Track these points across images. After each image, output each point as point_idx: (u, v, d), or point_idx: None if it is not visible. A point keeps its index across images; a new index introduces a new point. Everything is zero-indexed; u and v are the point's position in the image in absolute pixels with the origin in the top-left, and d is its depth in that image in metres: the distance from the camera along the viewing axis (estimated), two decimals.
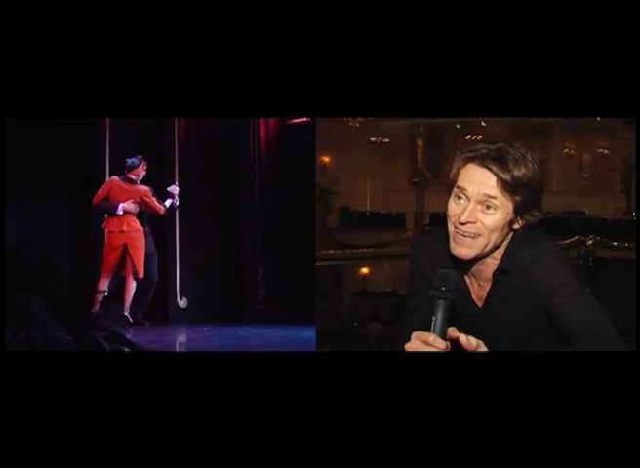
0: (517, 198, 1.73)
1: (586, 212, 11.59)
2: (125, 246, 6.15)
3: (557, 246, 1.93)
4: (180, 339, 5.89)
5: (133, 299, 6.24)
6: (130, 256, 6.11)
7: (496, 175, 1.71)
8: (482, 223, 1.73)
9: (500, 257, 1.81)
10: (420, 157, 12.93)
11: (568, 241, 5.54)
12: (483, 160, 1.73)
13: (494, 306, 1.84)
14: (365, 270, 10.71)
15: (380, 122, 11.57)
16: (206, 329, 6.07)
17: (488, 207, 1.72)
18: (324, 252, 7.70)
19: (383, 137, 12.84)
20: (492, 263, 1.83)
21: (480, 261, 1.82)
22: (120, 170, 6.48)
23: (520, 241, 1.80)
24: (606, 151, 12.28)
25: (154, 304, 6.75)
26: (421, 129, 12.90)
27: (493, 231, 1.74)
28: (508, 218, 1.75)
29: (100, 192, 6.25)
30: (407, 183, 13.13)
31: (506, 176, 1.70)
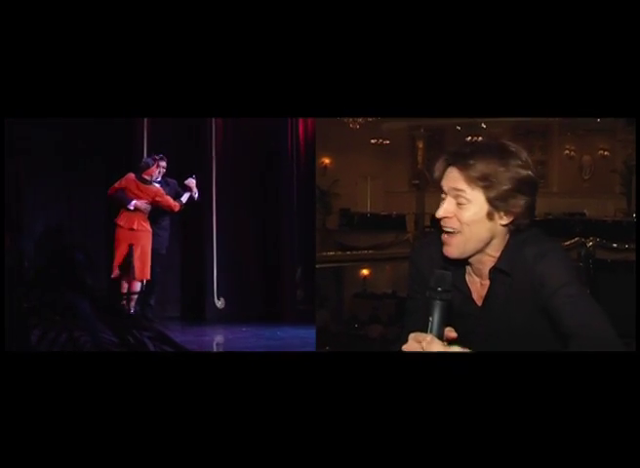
0: (489, 192, 1.75)
1: (587, 213, 11.59)
2: (130, 245, 6.12)
3: (559, 246, 1.94)
4: (218, 340, 5.85)
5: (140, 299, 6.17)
6: (132, 257, 6.08)
7: (458, 169, 1.75)
8: (457, 218, 1.77)
9: (497, 255, 1.82)
10: (420, 159, 12.93)
11: (568, 243, 5.55)
12: (451, 158, 1.78)
13: (493, 305, 1.85)
14: (365, 272, 10.72)
15: (381, 124, 11.58)
16: (244, 329, 6.02)
17: (460, 202, 1.76)
18: (324, 253, 7.71)
19: (384, 139, 12.85)
20: (489, 260, 1.83)
21: (477, 259, 1.83)
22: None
23: (523, 241, 1.81)
24: (606, 153, 12.29)
25: (192, 304, 6.70)
26: (422, 131, 12.90)
27: (469, 225, 1.76)
28: (483, 212, 1.77)
29: (116, 185, 6.24)
30: (407, 185, 13.14)
31: (470, 171, 1.74)
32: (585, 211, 11.61)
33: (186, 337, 5.27)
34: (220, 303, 6.79)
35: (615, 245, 6.01)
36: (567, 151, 12.65)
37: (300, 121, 7.03)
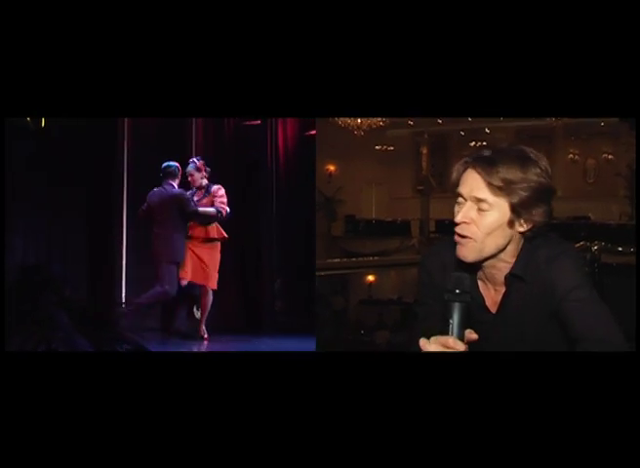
0: (512, 199, 1.73)
1: (591, 217, 11.57)
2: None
3: (572, 248, 1.91)
4: (197, 350, 5.82)
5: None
6: (205, 265, 5.93)
7: (482, 177, 1.73)
8: (476, 224, 1.74)
9: (511, 260, 1.81)
10: (424, 165, 12.94)
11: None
12: (474, 163, 1.75)
13: (508, 312, 1.83)
14: (371, 278, 10.70)
15: (385, 130, 11.58)
16: (223, 340, 6.01)
17: (481, 209, 1.74)
18: (329, 260, 7.69)
19: (388, 146, 12.86)
20: (504, 267, 1.82)
21: (492, 265, 1.82)
22: (137, 174, 6.49)
23: (536, 245, 1.80)
24: (610, 156, 12.27)
25: (169, 315, 6.67)
26: (426, 137, 12.90)
27: (488, 232, 1.75)
28: (505, 219, 1.75)
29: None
30: (412, 191, 13.14)
31: (493, 179, 1.71)
32: (590, 214, 11.61)
33: (165, 348, 5.25)
34: (198, 314, 6.79)
35: (620, 248, 5.98)
36: (571, 155, 12.63)
37: (280, 131, 7.06)
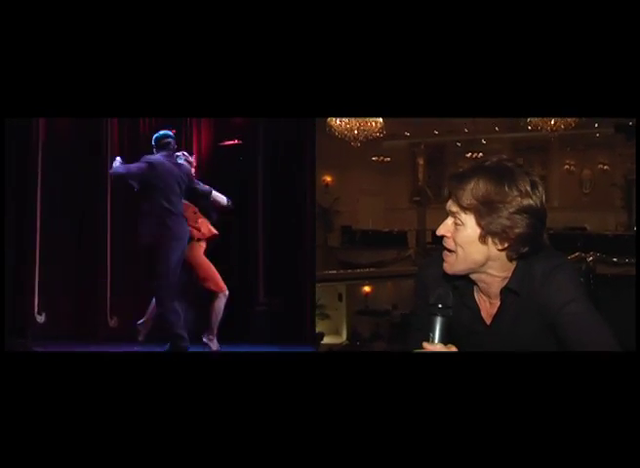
0: (478, 217, 1.76)
1: (587, 227, 11.62)
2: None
3: (568, 262, 1.92)
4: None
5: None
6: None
7: (450, 192, 1.78)
8: (453, 237, 1.79)
9: (501, 275, 1.83)
10: (421, 175, 13.02)
11: (569, 258, 5.55)
12: (448, 180, 1.81)
13: (502, 324, 1.85)
14: (367, 289, 10.72)
15: (382, 141, 11.62)
16: (136, 348, 5.88)
17: (456, 223, 1.79)
18: (326, 272, 7.71)
19: (385, 157, 12.93)
20: (494, 281, 1.83)
21: (479, 278, 1.83)
22: (51, 175, 6.29)
23: (532, 261, 1.82)
24: (606, 167, 12.35)
25: (84, 323, 6.42)
26: (422, 147, 12.99)
27: (462, 246, 1.78)
28: (476, 236, 1.78)
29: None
30: (408, 202, 13.20)
31: (458, 194, 1.75)
32: (586, 225, 11.66)
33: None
34: (112, 322, 6.72)
35: (615, 259, 6.01)
36: (567, 166, 12.71)
37: (194, 141, 6.97)
